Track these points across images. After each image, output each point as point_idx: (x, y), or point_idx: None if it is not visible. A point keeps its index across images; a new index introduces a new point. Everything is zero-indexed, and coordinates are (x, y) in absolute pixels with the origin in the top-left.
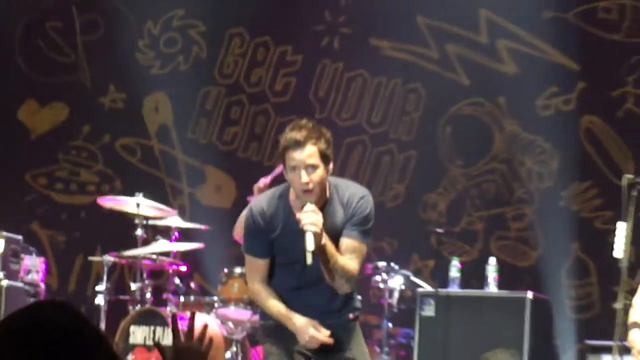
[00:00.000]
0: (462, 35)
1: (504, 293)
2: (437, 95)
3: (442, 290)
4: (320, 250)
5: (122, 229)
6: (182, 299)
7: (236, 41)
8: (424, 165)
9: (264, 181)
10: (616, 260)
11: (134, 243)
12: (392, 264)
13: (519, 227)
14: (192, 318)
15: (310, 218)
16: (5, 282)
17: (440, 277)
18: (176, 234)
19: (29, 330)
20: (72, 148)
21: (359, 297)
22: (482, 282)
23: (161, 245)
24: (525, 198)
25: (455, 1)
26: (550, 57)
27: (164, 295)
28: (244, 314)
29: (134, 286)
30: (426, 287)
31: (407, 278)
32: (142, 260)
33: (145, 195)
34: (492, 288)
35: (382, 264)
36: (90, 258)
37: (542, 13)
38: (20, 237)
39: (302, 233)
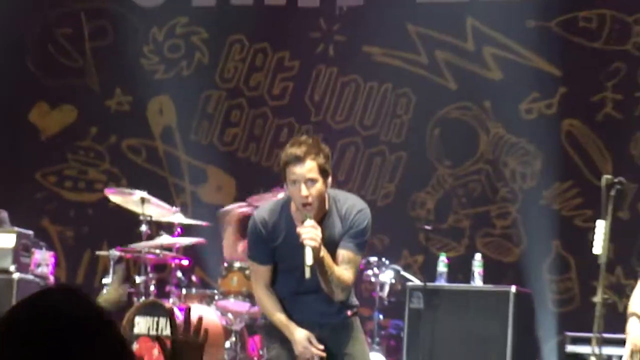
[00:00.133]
0: (450, 43)
1: (489, 287)
2: (426, 100)
3: (430, 284)
4: (318, 263)
5: (128, 225)
6: (184, 291)
7: (236, 47)
8: (414, 165)
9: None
10: (595, 256)
11: (138, 238)
12: (383, 259)
13: (503, 225)
14: (187, 312)
15: (309, 233)
16: (16, 275)
17: (428, 272)
18: (179, 229)
19: (37, 316)
20: (81, 148)
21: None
22: (468, 276)
23: (164, 240)
24: (509, 197)
25: (444, 10)
26: (533, 63)
27: (167, 288)
28: (243, 306)
29: (138, 279)
30: (415, 281)
31: (397, 272)
32: (146, 254)
33: (149, 193)
34: (477, 282)
35: (373, 259)
36: (98, 252)
37: (525, 22)
38: (31, 233)
39: (301, 245)
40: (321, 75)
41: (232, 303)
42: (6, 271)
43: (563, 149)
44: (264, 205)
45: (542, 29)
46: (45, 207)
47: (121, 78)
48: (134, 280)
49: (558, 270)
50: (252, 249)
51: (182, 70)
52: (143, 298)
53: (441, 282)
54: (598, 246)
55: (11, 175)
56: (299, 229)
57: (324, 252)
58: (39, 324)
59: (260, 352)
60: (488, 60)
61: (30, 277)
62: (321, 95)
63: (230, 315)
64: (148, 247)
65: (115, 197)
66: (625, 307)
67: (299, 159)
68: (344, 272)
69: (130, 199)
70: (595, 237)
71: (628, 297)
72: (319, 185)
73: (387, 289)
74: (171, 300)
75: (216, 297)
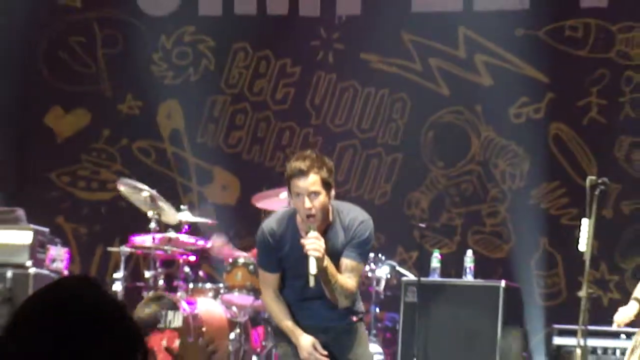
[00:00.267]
0: (442, 50)
1: (480, 282)
2: (420, 104)
3: (424, 279)
4: (322, 272)
5: (138, 223)
6: (191, 285)
7: (241, 55)
8: (409, 166)
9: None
10: (580, 253)
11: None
12: (380, 255)
13: (493, 223)
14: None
15: (313, 244)
16: (33, 270)
17: (422, 267)
18: (186, 227)
19: (53, 304)
20: (93, 150)
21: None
22: (460, 271)
23: (172, 237)
24: (499, 197)
25: (437, 20)
26: (522, 70)
27: (175, 283)
28: (247, 299)
29: (148, 274)
30: (410, 276)
31: (392, 268)
32: (156, 250)
33: (158, 192)
34: (469, 277)
35: (370, 255)
36: (109, 249)
37: (515, 31)
38: (46, 230)
39: (306, 255)
40: (321, 81)
41: (236, 297)
42: (23, 266)
43: (550, 151)
44: (272, 216)
45: (531, 38)
46: (60, 205)
47: (132, 84)
48: (144, 275)
49: (545, 266)
50: (260, 258)
51: (189, 76)
52: (152, 292)
53: (434, 277)
54: (583, 243)
55: (28, 176)
56: (303, 240)
57: (327, 262)
58: (55, 311)
59: (263, 344)
60: (479, 67)
61: (45, 272)
62: (321, 100)
63: (234, 309)
64: (157, 243)
65: (126, 189)
66: (609, 302)
67: (302, 173)
68: (347, 280)
69: (140, 197)
70: (580, 234)
71: (612, 291)
72: (322, 197)
73: (383, 283)
74: (179, 294)
75: (221, 291)
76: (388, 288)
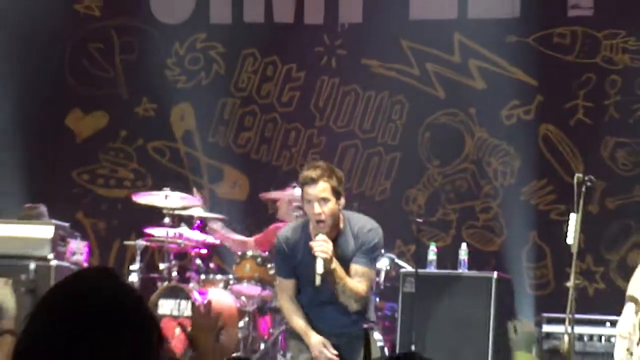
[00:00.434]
0: (438, 56)
1: (473, 273)
2: (417, 106)
3: (421, 271)
4: (330, 274)
5: (153, 218)
6: (202, 277)
7: (249, 60)
8: (407, 165)
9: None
10: (568, 246)
11: (163, 229)
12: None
13: (486, 218)
14: (209, 305)
15: (321, 246)
16: (54, 262)
17: (419, 260)
18: (198, 222)
19: (74, 294)
20: (111, 149)
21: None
22: (455, 263)
23: (185, 231)
24: (492, 193)
25: (433, 27)
26: (513, 74)
27: (188, 274)
28: (255, 290)
29: (162, 266)
30: (408, 268)
31: (392, 260)
32: (169, 244)
33: (171, 190)
34: (463, 269)
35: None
36: (126, 242)
37: (506, 37)
38: (67, 225)
39: (314, 257)
40: (325, 85)
41: (245, 287)
42: (45, 259)
43: (539, 150)
44: (288, 226)
45: (521, 44)
46: (80, 202)
47: (147, 87)
48: (159, 267)
49: (535, 258)
50: (277, 265)
51: (201, 80)
52: (166, 283)
53: (431, 269)
54: (570, 237)
55: (50, 174)
56: (312, 242)
57: (335, 264)
58: (75, 303)
59: (270, 331)
60: (473, 71)
61: (66, 264)
62: (324, 103)
63: (243, 298)
64: (170, 237)
65: (143, 199)
66: (595, 291)
67: (313, 181)
68: (357, 284)
69: (157, 196)
70: (568, 228)
71: (597, 282)
72: (331, 204)
73: (383, 275)
74: (191, 284)
75: (231, 282)
76: (387, 279)
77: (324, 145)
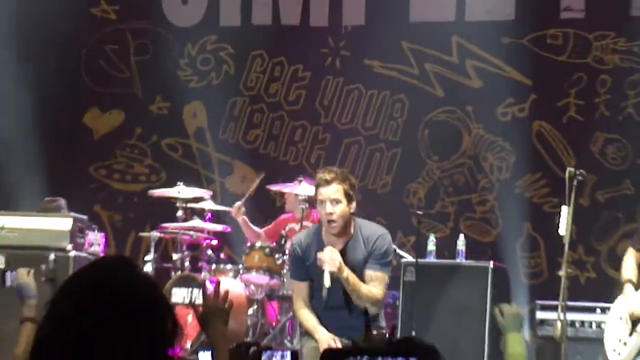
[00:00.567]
0: (437, 57)
1: (471, 263)
2: (417, 104)
3: (421, 260)
4: (344, 282)
5: (167, 211)
6: (213, 266)
7: (258, 61)
8: (407, 160)
9: (237, 204)
10: (560, 236)
11: (175, 221)
12: None
13: (483, 210)
14: (217, 285)
15: (329, 258)
16: (73, 253)
17: (419, 250)
18: (209, 214)
19: (92, 281)
20: (127, 146)
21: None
22: (453, 254)
23: (197, 223)
24: (488, 187)
25: (433, 29)
26: (508, 74)
27: (199, 264)
28: (263, 279)
29: (175, 256)
30: (408, 258)
31: (393, 250)
32: (182, 235)
33: (184, 184)
34: (461, 259)
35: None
36: (141, 234)
37: (501, 39)
38: (85, 217)
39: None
40: (329, 84)
41: (254, 276)
42: (64, 250)
43: (533, 146)
44: (303, 231)
45: (516, 45)
46: (98, 195)
47: (161, 87)
48: (172, 257)
49: (529, 248)
50: (291, 268)
51: (212, 80)
52: (179, 272)
53: (430, 259)
54: (563, 228)
55: (69, 169)
56: (319, 254)
57: (347, 273)
58: (93, 292)
59: (278, 318)
60: (470, 71)
61: (84, 254)
62: (329, 101)
63: (252, 287)
64: (183, 229)
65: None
66: (586, 280)
67: (327, 182)
68: (372, 289)
69: (171, 190)
70: (560, 220)
71: (588, 271)
72: (343, 206)
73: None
74: (203, 274)
75: (241, 272)
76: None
77: (329, 141)
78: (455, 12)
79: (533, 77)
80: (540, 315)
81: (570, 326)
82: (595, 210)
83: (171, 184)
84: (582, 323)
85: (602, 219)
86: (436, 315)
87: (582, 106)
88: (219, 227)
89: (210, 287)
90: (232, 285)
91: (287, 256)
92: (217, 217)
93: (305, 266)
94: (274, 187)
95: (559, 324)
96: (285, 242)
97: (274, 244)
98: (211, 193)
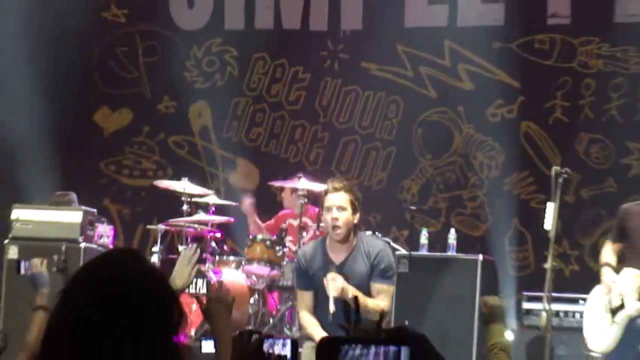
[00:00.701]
0: (431, 60)
1: (461, 256)
2: (411, 105)
3: (414, 253)
4: (352, 302)
5: (173, 205)
6: (217, 258)
7: (260, 63)
8: (401, 158)
9: (249, 201)
10: (546, 231)
11: (181, 215)
12: (377, 233)
13: (473, 206)
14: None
15: (333, 285)
16: (83, 244)
17: (412, 243)
18: (213, 208)
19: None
20: (135, 143)
21: None
22: (444, 247)
23: (201, 217)
24: (478, 184)
25: (426, 34)
26: (497, 77)
27: (204, 255)
28: (264, 270)
29: (181, 248)
30: (402, 251)
31: (388, 244)
32: (187, 228)
33: (189, 180)
34: (452, 252)
35: (368, 232)
36: (148, 226)
37: (492, 44)
38: (94, 210)
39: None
40: (328, 86)
41: (255, 267)
42: (75, 241)
43: (521, 145)
44: (309, 243)
45: (505, 49)
46: (107, 190)
47: (168, 87)
48: (178, 249)
49: (517, 243)
50: (296, 278)
51: (216, 81)
52: None
53: (423, 252)
54: (548, 223)
55: (80, 165)
56: (325, 282)
57: (352, 293)
58: (103, 285)
59: (278, 307)
60: (461, 74)
61: (94, 246)
62: (328, 102)
63: (254, 277)
64: (188, 222)
65: (163, 184)
66: (571, 272)
67: (335, 189)
68: (379, 302)
69: (176, 185)
70: (546, 216)
71: (573, 264)
72: (348, 214)
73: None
74: (207, 265)
75: (243, 263)
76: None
77: (327, 140)
78: (448, 18)
79: (521, 80)
80: (526, 305)
81: (555, 316)
82: (579, 206)
83: (177, 179)
84: (566, 313)
85: (586, 215)
86: (428, 305)
87: (568, 108)
88: (222, 219)
89: (213, 278)
90: (235, 276)
91: (293, 269)
92: (220, 211)
93: (309, 276)
94: (276, 183)
95: (544, 314)
96: (285, 235)
97: (275, 237)
98: (213, 192)
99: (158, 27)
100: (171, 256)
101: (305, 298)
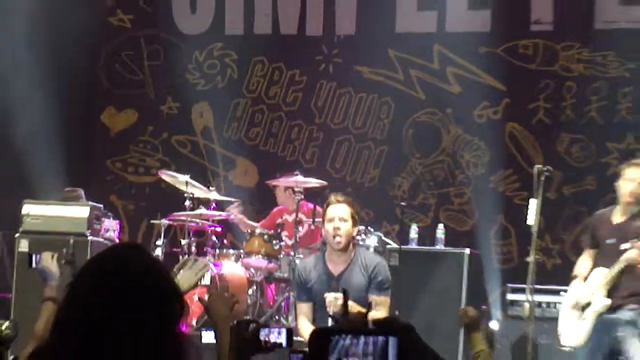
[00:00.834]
0: (420, 64)
1: (449, 249)
2: (402, 107)
3: (404, 247)
4: (353, 317)
5: (176, 201)
6: (217, 251)
7: (259, 66)
8: (393, 157)
9: (234, 211)
10: (529, 226)
11: (183, 210)
12: (369, 227)
13: (460, 202)
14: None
15: (331, 304)
16: (90, 238)
17: (403, 238)
18: (214, 204)
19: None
20: (140, 142)
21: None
22: (433, 241)
23: (202, 212)
24: (465, 181)
25: (416, 39)
26: (484, 80)
27: (205, 249)
28: (262, 263)
29: (183, 242)
30: (393, 244)
31: (379, 238)
32: (190, 223)
33: (191, 177)
34: (440, 246)
35: (361, 227)
36: (152, 221)
37: (478, 48)
38: (101, 206)
39: (331, 287)
40: (323, 88)
41: (254, 260)
42: (82, 235)
43: (506, 145)
44: (309, 257)
45: (491, 54)
46: (113, 186)
47: (171, 89)
48: (180, 242)
49: (501, 237)
50: (296, 291)
51: (217, 83)
52: (186, 256)
53: (412, 246)
54: (531, 219)
55: (87, 163)
56: (327, 302)
57: (352, 307)
58: (110, 273)
59: (275, 298)
60: (450, 77)
61: (100, 239)
62: (323, 103)
63: (252, 270)
64: (190, 217)
65: (166, 177)
66: (552, 265)
67: (338, 202)
68: (377, 314)
69: (178, 181)
70: (529, 212)
71: (554, 257)
72: (348, 226)
73: (372, 250)
74: (208, 257)
75: (242, 256)
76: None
77: (322, 139)
78: (437, 24)
79: (506, 83)
80: (510, 296)
81: (538, 307)
82: (560, 203)
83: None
84: (548, 304)
85: (567, 211)
86: (417, 297)
87: (550, 110)
88: (222, 214)
89: (214, 270)
90: (234, 268)
91: (293, 282)
92: (220, 207)
93: (307, 288)
94: (273, 182)
95: (527, 304)
96: (282, 230)
97: (272, 231)
98: (213, 189)
99: (162, 32)
100: (174, 249)
101: (304, 310)
